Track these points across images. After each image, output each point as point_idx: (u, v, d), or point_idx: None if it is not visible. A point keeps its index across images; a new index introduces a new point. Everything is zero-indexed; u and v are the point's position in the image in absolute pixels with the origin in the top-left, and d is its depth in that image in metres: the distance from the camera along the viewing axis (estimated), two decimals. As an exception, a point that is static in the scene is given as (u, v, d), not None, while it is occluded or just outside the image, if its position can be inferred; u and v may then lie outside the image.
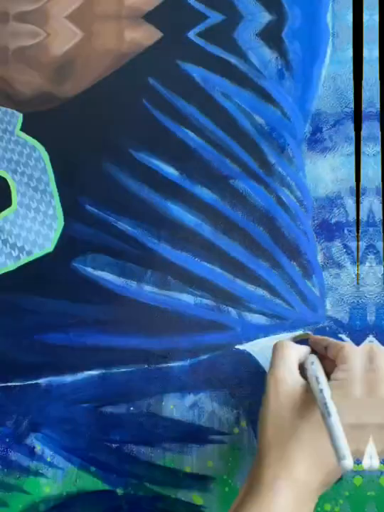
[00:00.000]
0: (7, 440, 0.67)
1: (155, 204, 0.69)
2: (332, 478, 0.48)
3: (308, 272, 0.66)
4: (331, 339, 0.60)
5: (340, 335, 0.65)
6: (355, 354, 0.53)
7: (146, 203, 0.69)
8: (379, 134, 0.68)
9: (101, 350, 0.67)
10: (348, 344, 0.56)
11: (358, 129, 0.69)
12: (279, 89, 0.70)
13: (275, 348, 0.57)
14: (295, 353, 0.56)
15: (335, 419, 0.42)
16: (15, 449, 0.67)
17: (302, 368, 0.55)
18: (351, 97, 0.69)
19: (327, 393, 0.47)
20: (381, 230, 0.66)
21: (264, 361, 0.65)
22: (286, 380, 0.53)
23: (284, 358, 0.55)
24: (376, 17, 0.69)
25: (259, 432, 0.52)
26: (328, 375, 0.52)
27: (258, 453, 0.51)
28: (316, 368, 0.53)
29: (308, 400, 0.50)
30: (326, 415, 0.43)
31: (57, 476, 0.65)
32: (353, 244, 0.67)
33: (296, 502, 0.45)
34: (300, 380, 0.53)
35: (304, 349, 0.58)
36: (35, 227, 0.70)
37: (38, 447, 0.67)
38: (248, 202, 0.68)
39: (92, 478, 0.65)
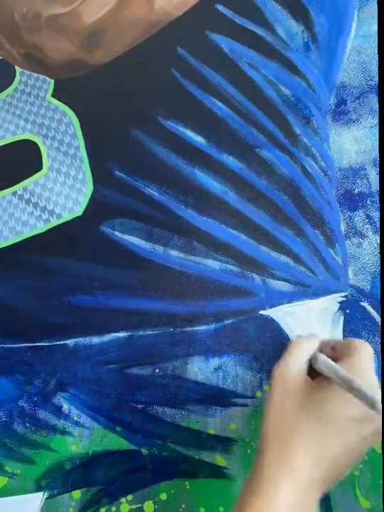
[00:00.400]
0: (35, 399, 0.51)
1: (182, 171, 0.51)
2: (335, 475, 0.35)
3: (331, 240, 0.49)
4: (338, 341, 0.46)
5: (361, 303, 0.47)
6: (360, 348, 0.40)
7: (173, 169, 0.51)
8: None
9: (127, 313, 0.50)
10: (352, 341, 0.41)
11: (382, 102, 0.53)
12: (305, 61, 0.52)
13: (288, 345, 0.43)
14: (305, 349, 0.41)
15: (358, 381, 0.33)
16: (42, 408, 0.51)
17: (310, 364, 0.41)
18: (376, 70, 0.53)
19: (341, 369, 0.36)
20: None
21: (287, 327, 0.48)
22: (292, 375, 0.39)
23: (294, 354, 0.41)
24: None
25: (261, 426, 0.38)
26: None
27: (260, 447, 0.37)
28: (325, 357, 0.40)
29: (314, 396, 0.37)
30: (350, 381, 0.33)
31: (83, 434, 0.49)
32: (375, 215, 0.51)
33: (297, 498, 0.33)
34: (306, 377, 0.39)
35: (314, 344, 0.43)
36: (64, 191, 0.52)
37: (65, 406, 0.50)
38: (273, 171, 0.50)
39: (118, 437, 0.49)
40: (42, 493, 0.50)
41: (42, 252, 0.55)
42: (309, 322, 0.50)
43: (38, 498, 0.50)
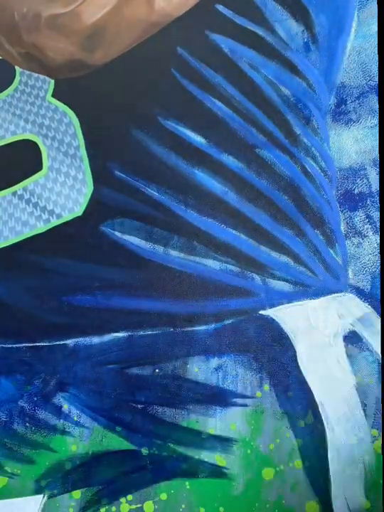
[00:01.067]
0: (35, 399, 0.51)
1: (182, 171, 0.51)
2: None
3: (331, 240, 0.49)
4: None
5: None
6: None
7: (173, 169, 0.51)
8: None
9: (127, 313, 0.50)
10: None
11: (382, 102, 0.53)
12: (305, 62, 0.52)
13: None
14: None
15: None
16: (42, 408, 0.51)
17: None
18: (376, 70, 0.53)
19: None
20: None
21: (287, 327, 0.48)
22: None
23: None
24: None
25: None
26: None
27: None
28: None
29: None
30: None
31: (83, 434, 0.49)
32: (375, 215, 0.51)
33: None
34: None
35: None
36: (64, 191, 0.53)
37: (65, 406, 0.50)
38: (273, 171, 0.50)
39: (118, 437, 0.49)
40: (42, 495, 0.50)
41: (42, 252, 0.55)
42: (309, 322, 0.50)
43: (38, 501, 0.50)
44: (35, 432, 0.52)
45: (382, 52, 0.53)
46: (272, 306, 0.51)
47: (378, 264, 0.50)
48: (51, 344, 0.53)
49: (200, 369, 0.50)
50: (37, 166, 0.56)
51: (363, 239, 0.51)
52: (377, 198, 0.51)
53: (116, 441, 0.50)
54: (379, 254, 0.50)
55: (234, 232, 0.52)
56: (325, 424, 0.47)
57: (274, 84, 0.53)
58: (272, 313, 0.50)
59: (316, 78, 0.53)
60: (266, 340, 0.50)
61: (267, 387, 0.49)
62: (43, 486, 0.51)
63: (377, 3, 0.53)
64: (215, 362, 0.50)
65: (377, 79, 0.52)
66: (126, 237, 0.53)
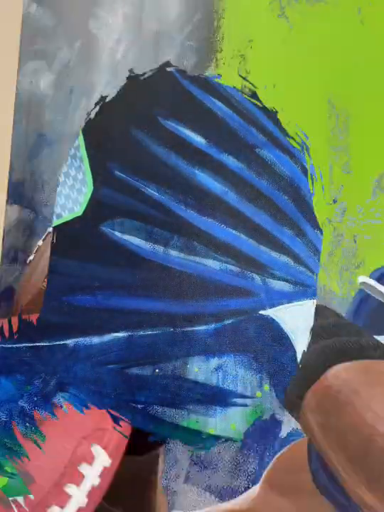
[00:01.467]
0: (35, 399, 0.50)
1: (182, 171, 0.51)
2: None
3: (331, 240, 0.48)
4: None
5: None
6: None
7: (173, 169, 0.51)
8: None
9: (127, 313, 0.50)
10: None
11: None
12: (306, 61, 0.51)
13: None
14: None
15: None
16: (42, 408, 0.50)
17: None
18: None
19: None
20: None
21: (287, 327, 0.48)
22: None
23: None
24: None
25: None
26: None
27: None
28: None
29: None
30: None
31: (83, 434, 0.49)
32: (375, 214, 0.48)
33: None
34: None
35: None
36: (64, 191, 0.52)
37: (65, 406, 0.49)
38: (273, 171, 0.50)
39: (118, 437, 0.48)
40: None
41: (42, 252, 0.55)
42: (309, 322, 0.50)
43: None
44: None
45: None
46: (272, 306, 0.51)
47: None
48: (51, 344, 0.53)
49: (200, 369, 0.51)
50: (37, 166, 0.56)
51: (363, 239, 0.51)
52: (377, 198, 0.51)
53: (116, 442, 0.51)
54: (379, 254, 0.50)
55: (234, 232, 0.52)
56: (325, 424, 0.47)
57: (274, 84, 0.53)
58: (272, 313, 0.50)
59: (316, 78, 0.53)
60: (266, 340, 0.50)
61: (267, 387, 0.49)
62: (43, 486, 0.51)
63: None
64: (215, 362, 0.50)
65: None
66: (126, 237, 0.53)
